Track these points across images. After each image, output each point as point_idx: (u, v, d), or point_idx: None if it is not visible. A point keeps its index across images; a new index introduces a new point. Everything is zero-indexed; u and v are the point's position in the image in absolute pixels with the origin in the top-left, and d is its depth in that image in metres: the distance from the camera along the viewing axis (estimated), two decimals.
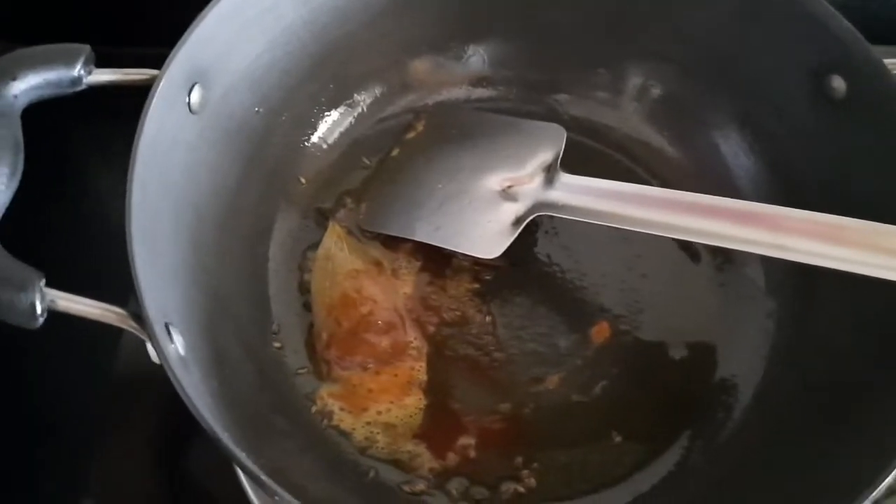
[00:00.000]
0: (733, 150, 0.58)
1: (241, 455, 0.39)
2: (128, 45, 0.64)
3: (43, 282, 0.39)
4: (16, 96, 0.43)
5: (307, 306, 0.55)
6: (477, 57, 0.62)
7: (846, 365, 0.48)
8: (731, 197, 0.51)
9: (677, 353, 0.54)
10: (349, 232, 0.57)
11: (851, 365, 0.48)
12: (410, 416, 0.51)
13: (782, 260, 0.48)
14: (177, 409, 0.41)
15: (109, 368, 0.57)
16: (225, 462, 0.50)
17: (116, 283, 0.51)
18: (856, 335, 0.49)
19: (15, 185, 0.42)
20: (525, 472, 0.50)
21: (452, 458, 0.50)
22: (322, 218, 0.58)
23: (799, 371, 0.51)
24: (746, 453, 0.49)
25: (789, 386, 0.51)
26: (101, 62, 0.46)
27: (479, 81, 0.62)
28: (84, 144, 0.65)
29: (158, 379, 0.41)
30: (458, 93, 0.62)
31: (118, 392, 0.57)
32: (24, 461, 0.56)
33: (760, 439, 0.49)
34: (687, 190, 0.53)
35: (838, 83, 0.50)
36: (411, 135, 0.61)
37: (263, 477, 0.38)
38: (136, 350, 0.42)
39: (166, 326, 0.41)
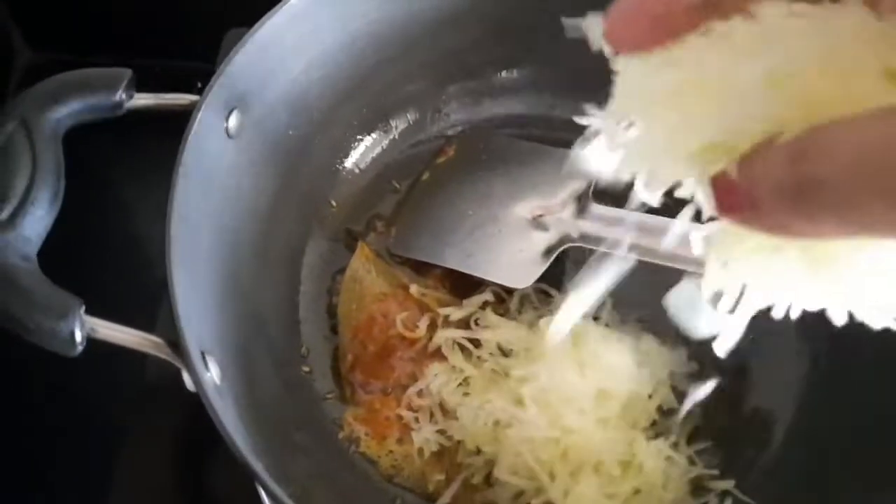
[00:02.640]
0: None
1: (273, 484, 0.39)
2: (161, 59, 0.65)
3: (83, 309, 0.39)
4: (58, 120, 0.44)
5: (335, 329, 0.55)
6: (511, 83, 0.62)
7: (880, 409, 0.48)
8: None
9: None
10: (378, 255, 0.57)
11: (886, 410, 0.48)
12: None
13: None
14: (200, 422, 0.41)
15: (133, 378, 0.57)
16: (245, 476, 0.51)
17: (145, 305, 0.51)
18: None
19: (56, 209, 0.43)
20: None
21: None
22: (352, 241, 0.58)
23: (832, 409, 0.51)
24: (779, 492, 0.49)
25: (823, 424, 0.51)
26: (139, 76, 0.47)
27: (512, 108, 0.62)
28: (120, 166, 0.65)
29: (182, 390, 0.41)
30: (491, 119, 0.62)
31: (141, 403, 0.57)
32: (46, 470, 0.57)
33: (794, 479, 0.49)
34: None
35: None
36: (442, 159, 0.61)
37: None
38: (160, 361, 0.43)
39: (202, 355, 0.41)
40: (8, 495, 0.56)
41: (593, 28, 0.27)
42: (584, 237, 0.54)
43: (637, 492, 0.47)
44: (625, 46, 0.26)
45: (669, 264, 0.51)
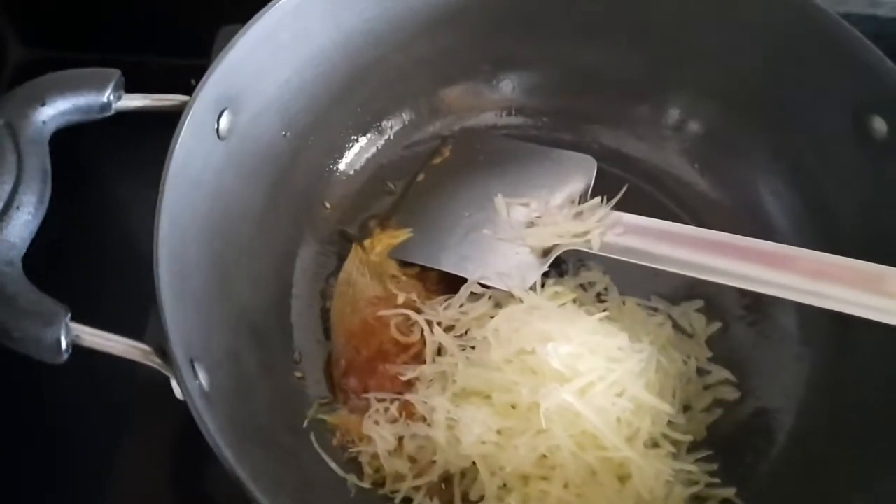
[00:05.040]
0: (769, 187, 0.57)
1: (259, 493, 0.39)
2: (154, 56, 0.64)
3: (69, 317, 0.39)
4: (44, 122, 0.43)
5: (328, 334, 0.54)
6: (508, 83, 0.61)
7: (877, 414, 0.47)
8: (765, 237, 0.50)
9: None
10: (373, 258, 0.56)
11: (883, 412, 0.47)
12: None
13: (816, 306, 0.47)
14: (192, 430, 0.40)
15: (126, 385, 0.57)
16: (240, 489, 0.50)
17: (134, 310, 0.50)
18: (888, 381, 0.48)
19: (42, 213, 0.42)
20: None
21: None
22: (346, 243, 0.57)
23: (832, 412, 0.50)
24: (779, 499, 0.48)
25: (823, 425, 0.50)
26: (133, 73, 0.46)
27: (508, 108, 0.62)
28: (108, 168, 0.65)
29: (177, 399, 0.40)
30: (488, 119, 0.61)
31: (134, 407, 0.57)
32: (41, 477, 0.56)
33: (794, 482, 0.48)
34: (718, 226, 0.52)
35: (879, 124, 0.49)
36: (438, 160, 0.60)
37: None
38: (151, 369, 0.42)
39: (191, 362, 0.40)
40: (4, 491, 0.55)
41: None
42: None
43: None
44: None
45: (669, 269, 0.50)
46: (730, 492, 0.49)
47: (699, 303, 0.55)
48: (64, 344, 0.38)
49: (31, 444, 0.57)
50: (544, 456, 0.46)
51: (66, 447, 0.57)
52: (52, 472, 0.56)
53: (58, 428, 0.58)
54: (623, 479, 0.47)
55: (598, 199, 0.55)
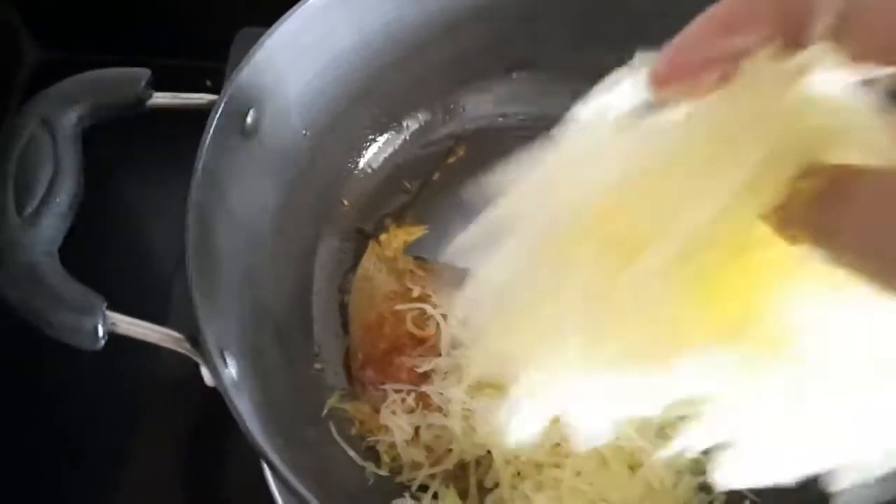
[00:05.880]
0: None
1: (293, 478, 0.40)
2: (168, 58, 0.65)
3: (105, 306, 0.40)
4: (79, 119, 0.44)
5: (346, 327, 0.56)
6: (522, 84, 0.62)
7: None
8: None
9: None
10: (389, 254, 0.58)
11: None
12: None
13: None
14: (209, 418, 0.41)
15: (142, 376, 0.58)
16: (255, 477, 0.52)
17: (157, 300, 0.52)
18: None
19: (77, 205, 0.43)
20: None
21: None
22: (363, 240, 0.58)
23: None
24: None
25: None
26: (155, 73, 0.47)
27: (522, 110, 0.63)
28: (138, 163, 0.66)
29: (192, 385, 0.42)
30: (501, 120, 0.63)
31: (150, 402, 0.58)
32: (53, 469, 0.57)
33: None
34: None
35: None
36: (452, 159, 0.61)
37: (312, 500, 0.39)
38: (169, 360, 0.43)
39: (220, 351, 0.42)
40: (18, 488, 0.57)
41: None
42: None
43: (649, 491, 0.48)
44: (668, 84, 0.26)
45: None
46: None
47: None
48: (101, 332, 0.40)
49: (44, 440, 0.58)
50: (557, 444, 0.48)
51: (80, 443, 0.58)
52: (66, 468, 0.57)
53: (70, 421, 0.59)
54: (634, 467, 0.48)
55: None
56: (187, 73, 0.51)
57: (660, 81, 0.26)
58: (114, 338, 0.41)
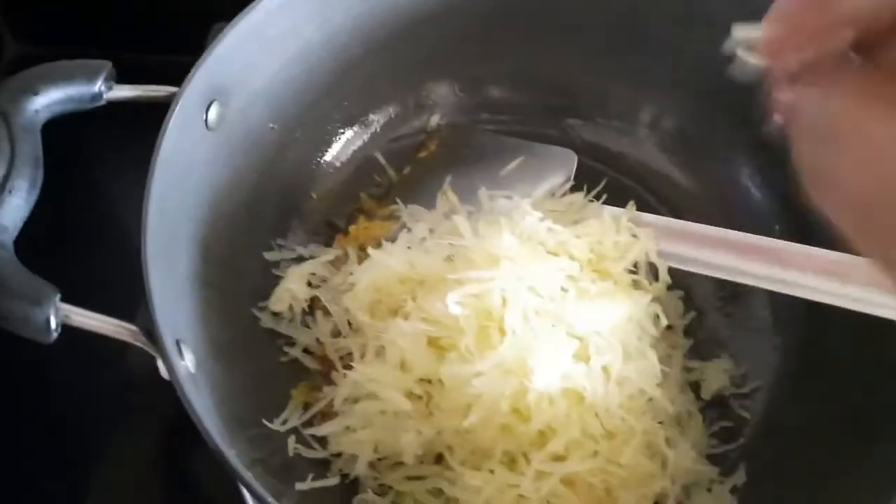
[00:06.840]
0: (745, 181, 0.58)
1: (244, 470, 0.40)
2: (147, 52, 0.65)
3: (58, 297, 0.40)
4: (37, 111, 0.44)
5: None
6: (492, 78, 0.62)
7: (847, 399, 0.49)
8: (741, 229, 0.52)
9: None
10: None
11: (852, 399, 0.48)
12: None
13: (788, 295, 0.49)
14: (182, 418, 0.41)
15: (116, 373, 0.58)
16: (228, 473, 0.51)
17: (125, 295, 0.51)
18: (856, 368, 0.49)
19: (34, 199, 0.43)
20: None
21: None
22: (332, 233, 0.58)
23: (802, 401, 0.52)
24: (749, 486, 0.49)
25: (792, 417, 0.51)
26: (126, 69, 0.47)
27: (492, 104, 0.63)
28: (100, 157, 0.66)
29: (165, 386, 0.41)
30: (472, 114, 0.62)
31: (124, 398, 0.58)
32: (28, 464, 0.57)
33: (763, 471, 0.50)
34: (697, 218, 0.54)
35: None
36: (423, 154, 0.61)
37: (269, 498, 0.39)
38: (143, 357, 0.43)
39: (177, 343, 0.42)
40: None
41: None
42: None
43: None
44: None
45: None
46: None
47: (679, 293, 0.56)
48: (53, 323, 0.39)
49: (24, 434, 0.58)
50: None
51: (58, 441, 0.58)
52: (43, 461, 0.57)
53: (40, 415, 0.59)
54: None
55: (580, 193, 0.56)
56: (166, 67, 0.51)
57: (774, 51, 0.25)
58: (89, 335, 0.41)
